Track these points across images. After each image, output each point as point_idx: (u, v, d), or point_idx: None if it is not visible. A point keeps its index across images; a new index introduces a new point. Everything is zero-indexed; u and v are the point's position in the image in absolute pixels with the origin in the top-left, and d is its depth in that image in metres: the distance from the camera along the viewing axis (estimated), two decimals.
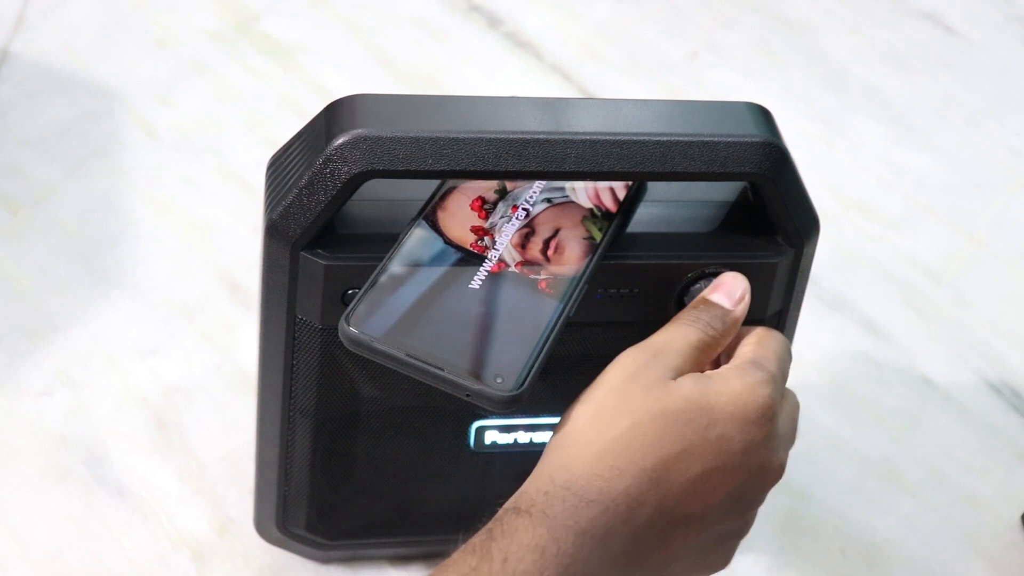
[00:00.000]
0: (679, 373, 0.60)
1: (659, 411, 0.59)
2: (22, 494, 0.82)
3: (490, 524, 0.57)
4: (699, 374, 0.61)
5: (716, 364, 0.65)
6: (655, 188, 0.67)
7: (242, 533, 0.80)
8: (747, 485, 0.61)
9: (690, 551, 0.61)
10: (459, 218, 0.63)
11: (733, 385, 0.60)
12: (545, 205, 0.65)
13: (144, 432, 0.86)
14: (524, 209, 0.64)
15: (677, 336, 0.62)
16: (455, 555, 0.57)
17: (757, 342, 0.63)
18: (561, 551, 0.56)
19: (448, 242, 0.63)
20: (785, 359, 0.63)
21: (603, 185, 0.66)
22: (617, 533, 0.57)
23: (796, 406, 0.64)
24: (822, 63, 1.20)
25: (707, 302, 0.64)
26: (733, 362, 0.62)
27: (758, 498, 0.62)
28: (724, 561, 0.65)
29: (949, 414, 0.92)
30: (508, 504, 0.58)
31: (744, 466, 0.60)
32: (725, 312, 0.63)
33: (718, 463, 0.59)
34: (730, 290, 0.64)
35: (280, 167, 0.64)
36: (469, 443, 0.72)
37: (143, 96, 1.09)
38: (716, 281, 0.64)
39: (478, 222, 0.64)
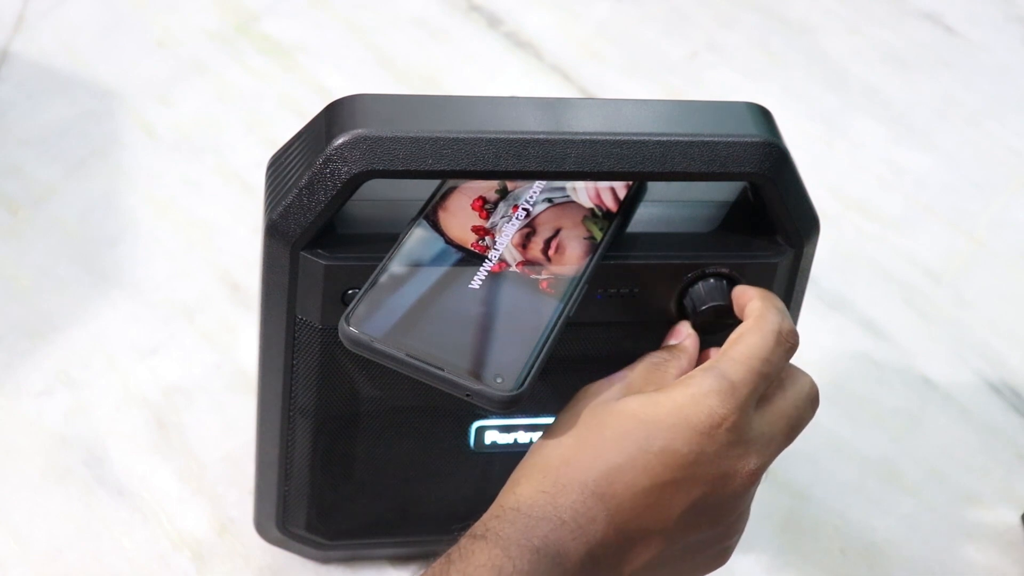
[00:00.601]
0: (626, 395, 0.61)
1: (598, 428, 0.59)
2: (22, 494, 0.82)
3: (449, 550, 0.58)
4: (647, 393, 0.61)
5: None
6: (655, 188, 0.67)
7: (242, 533, 0.80)
8: (711, 496, 0.60)
9: (663, 564, 0.61)
10: (460, 218, 0.63)
11: (675, 397, 0.59)
12: (546, 205, 0.65)
13: (144, 432, 0.86)
14: (525, 209, 0.64)
15: (625, 368, 0.63)
16: None
17: (733, 340, 0.62)
18: (516, 569, 0.56)
19: (449, 242, 0.63)
20: (763, 354, 0.61)
21: (604, 185, 0.66)
22: (570, 550, 0.58)
23: (798, 400, 0.62)
24: (822, 63, 1.20)
25: (661, 348, 0.66)
26: (690, 372, 0.61)
27: (730, 506, 0.61)
28: (717, 563, 0.64)
29: (949, 414, 0.92)
30: (467, 532, 0.59)
31: (699, 478, 0.59)
32: (670, 348, 0.65)
33: (667, 477, 0.59)
34: (673, 332, 0.66)
35: (280, 167, 0.64)
36: (469, 443, 0.72)
37: (143, 96, 1.09)
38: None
39: (479, 222, 0.64)
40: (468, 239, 0.63)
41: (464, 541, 0.58)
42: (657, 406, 0.59)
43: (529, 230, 0.64)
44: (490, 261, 0.62)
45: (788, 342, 0.62)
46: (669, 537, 0.60)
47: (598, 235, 0.64)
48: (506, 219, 0.64)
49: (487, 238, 0.63)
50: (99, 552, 0.79)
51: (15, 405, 0.86)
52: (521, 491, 0.59)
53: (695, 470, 0.59)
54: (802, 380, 0.63)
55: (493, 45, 1.18)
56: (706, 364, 0.61)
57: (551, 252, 0.63)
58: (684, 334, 0.65)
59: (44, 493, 0.82)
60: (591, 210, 0.65)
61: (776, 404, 0.62)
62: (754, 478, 0.60)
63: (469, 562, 0.57)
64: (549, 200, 0.65)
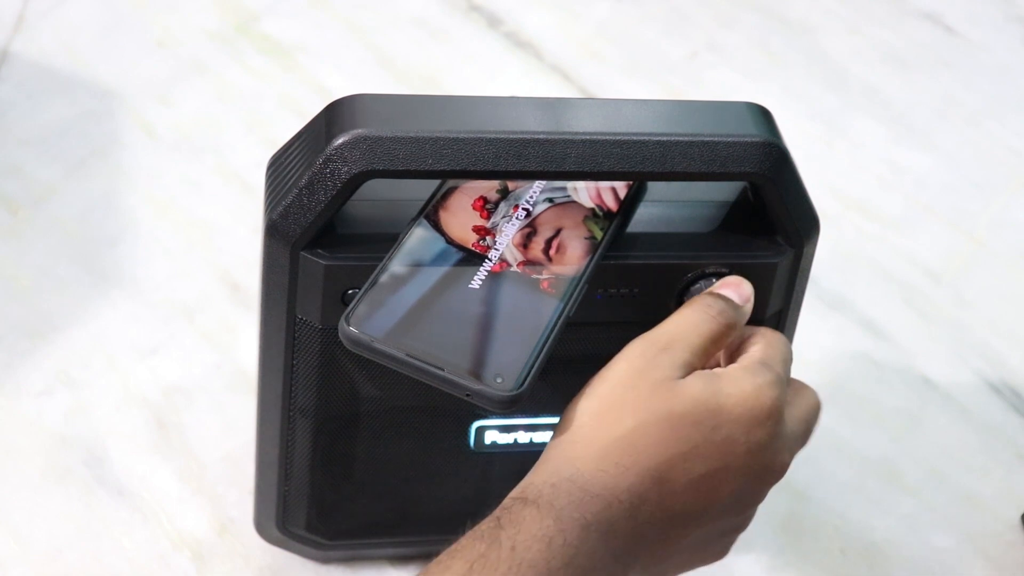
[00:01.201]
0: (688, 369, 0.60)
1: (666, 412, 0.59)
2: (22, 494, 0.82)
3: (497, 512, 0.58)
4: (708, 372, 0.61)
5: (716, 362, 0.65)
6: (655, 188, 0.67)
7: (242, 533, 0.80)
8: (749, 484, 0.61)
9: (688, 546, 0.62)
10: (461, 218, 0.63)
11: (742, 386, 0.60)
12: (547, 205, 0.65)
13: (144, 432, 0.86)
14: (525, 209, 0.64)
15: (689, 327, 0.62)
16: (463, 540, 0.58)
17: (765, 343, 0.63)
18: (567, 542, 0.56)
19: (449, 242, 0.63)
20: (788, 361, 0.64)
21: (604, 185, 0.66)
22: (619, 528, 0.58)
23: (811, 407, 0.64)
24: (822, 63, 1.20)
25: (718, 294, 0.64)
26: (742, 361, 0.62)
27: (759, 497, 0.63)
28: (721, 554, 0.65)
29: (949, 414, 0.92)
30: (515, 493, 0.59)
31: (747, 467, 0.60)
32: (736, 306, 0.63)
33: (722, 463, 0.60)
34: (739, 289, 0.64)
35: (280, 167, 0.64)
36: (469, 443, 0.72)
37: (143, 96, 1.09)
38: (723, 281, 0.64)
39: (480, 222, 0.64)
40: (469, 239, 0.63)
41: (514, 505, 0.58)
42: (728, 396, 0.60)
43: (530, 230, 0.64)
44: (491, 261, 0.62)
45: (792, 361, 0.65)
46: (705, 520, 0.61)
47: (599, 235, 0.64)
48: (507, 219, 0.64)
49: (488, 238, 0.63)
50: (99, 552, 0.79)
51: (15, 405, 0.86)
52: (579, 464, 0.58)
53: (747, 459, 0.60)
54: (809, 390, 0.65)
55: (493, 45, 1.18)
56: (757, 357, 0.62)
57: (552, 252, 0.63)
58: (746, 295, 0.64)
59: (44, 493, 0.82)
60: (592, 210, 0.65)
61: (798, 406, 0.63)
62: (783, 472, 0.62)
63: (520, 529, 0.57)
64: (550, 200, 0.65)
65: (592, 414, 0.60)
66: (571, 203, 0.65)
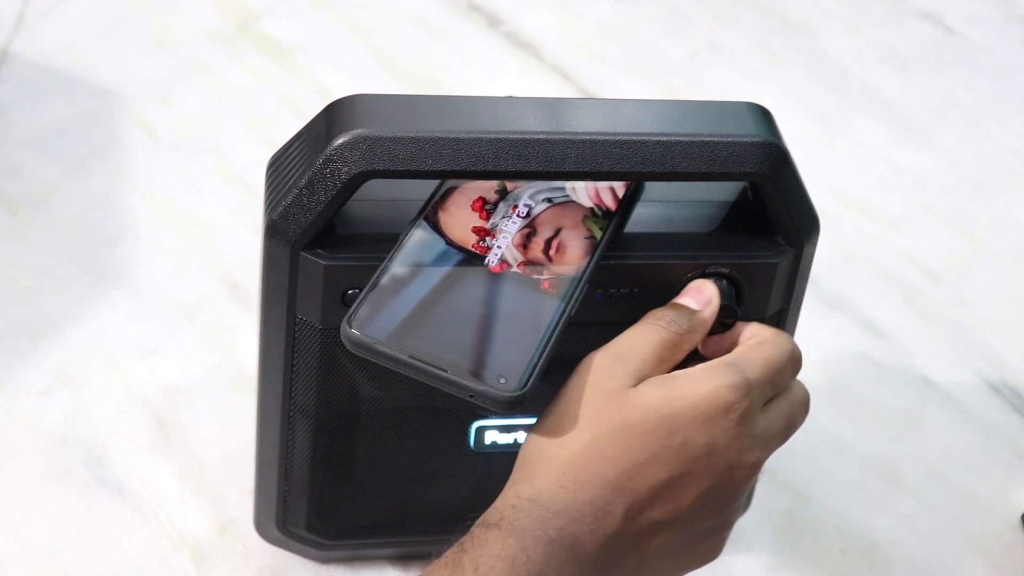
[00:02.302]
0: (641, 377, 0.61)
1: (619, 423, 0.59)
2: (22, 494, 0.82)
3: (462, 539, 0.59)
4: (663, 377, 0.61)
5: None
6: (655, 188, 0.67)
7: (242, 533, 0.80)
8: (717, 485, 0.61)
9: (668, 553, 0.61)
10: (460, 218, 0.63)
11: (697, 388, 0.60)
12: (546, 205, 0.65)
13: (144, 432, 0.86)
14: (525, 208, 0.64)
15: (640, 337, 0.62)
16: (428, 568, 0.58)
17: (754, 344, 0.63)
18: (530, 559, 0.57)
19: (449, 243, 0.63)
20: (779, 365, 0.63)
21: (603, 184, 0.66)
22: (585, 542, 0.58)
23: (794, 401, 0.64)
24: (822, 63, 1.20)
25: (673, 304, 0.64)
26: (710, 362, 0.62)
27: (732, 496, 0.62)
28: (712, 554, 0.65)
29: (949, 414, 0.92)
30: (479, 520, 0.59)
31: (710, 468, 0.60)
32: (691, 312, 0.64)
33: (684, 468, 0.59)
34: (697, 294, 0.64)
35: (280, 167, 0.64)
36: (469, 443, 0.72)
37: (143, 96, 1.09)
38: (684, 288, 0.65)
39: (479, 222, 0.64)
40: (469, 240, 0.63)
41: (477, 530, 0.58)
42: (680, 399, 0.60)
43: (529, 230, 0.64)
44: (491, 262, 0.62)
45: (798, 364, 0.64)
46: (678, 526, 0.61)
47: (598, 234, 0.64)
48: (506, 219, 0.64)
49: (487, 238, 0.63)
50: (99, 552, 0.79)
51: (15, 405, 0.86)
52: (539, 483, 0.59)
53: (708, 461, 0.60)
54: (797, 385, 0.65)
55: (493, 45, 1.18)
56: (727, 358, 0.62)
57: (552, 252, 0.63)
58: (706, 298, 0.64)
59: (44, 493, 0.82)
60: (591, 209, 0.65)
61: (778, 404, 0.63)
62: (754, 470, 0.62)
63: (483, 551, 0.57)
64: (549, 200, 0.65)
65: (548, 433, 0.60)
66: (570, 203, 0.65)
